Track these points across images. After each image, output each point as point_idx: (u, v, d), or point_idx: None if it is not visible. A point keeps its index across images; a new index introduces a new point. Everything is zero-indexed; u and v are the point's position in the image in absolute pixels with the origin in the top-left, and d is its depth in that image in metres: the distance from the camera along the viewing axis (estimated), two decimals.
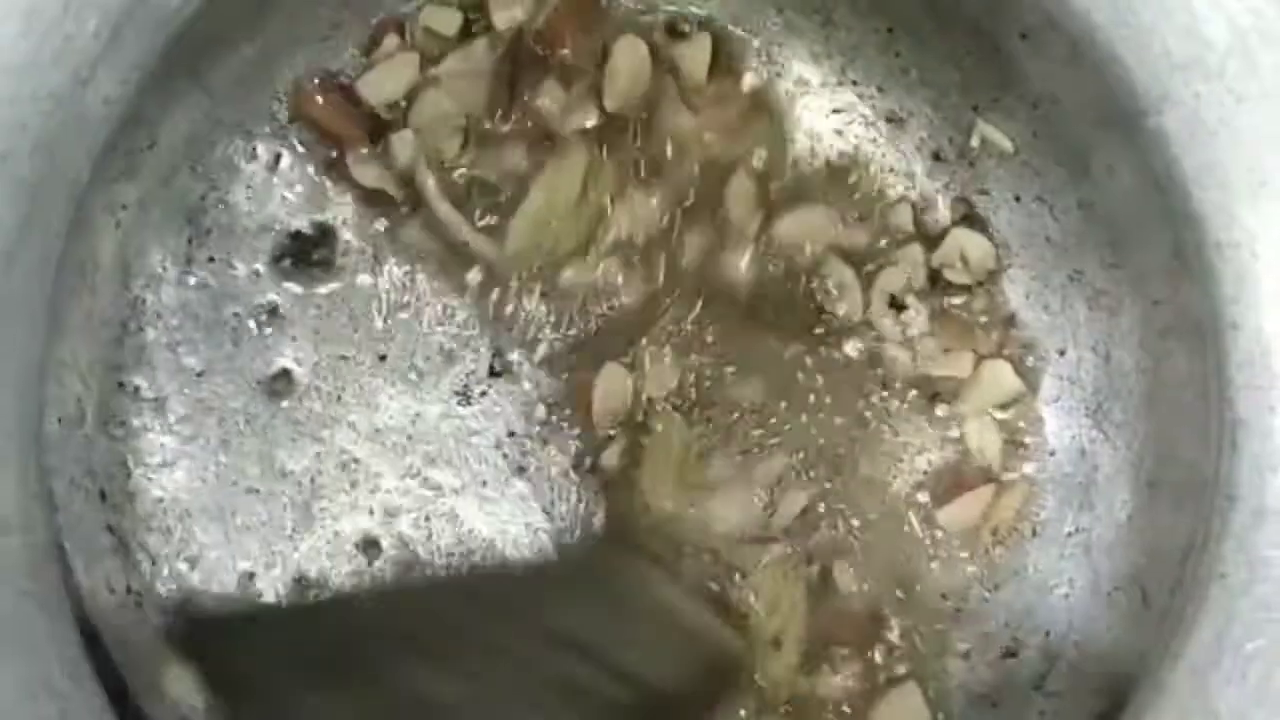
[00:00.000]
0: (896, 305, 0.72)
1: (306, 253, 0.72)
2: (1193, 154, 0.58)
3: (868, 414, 0.72)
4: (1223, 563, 0.58)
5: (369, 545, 0.71)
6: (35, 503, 0.58)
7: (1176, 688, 0.58)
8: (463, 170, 0.72)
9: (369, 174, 0.71)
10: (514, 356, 0.72)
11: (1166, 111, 0.58)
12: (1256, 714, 0.56)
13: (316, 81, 0.71)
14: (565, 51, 0.71)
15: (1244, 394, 0.58)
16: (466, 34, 0.72)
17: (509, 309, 0.72)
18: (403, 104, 0.72)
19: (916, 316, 0.72)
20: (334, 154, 0.71)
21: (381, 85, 0.71)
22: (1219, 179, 0.58)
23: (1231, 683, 0.57)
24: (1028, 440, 0.71)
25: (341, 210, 0.72)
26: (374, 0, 0.71)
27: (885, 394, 0.72)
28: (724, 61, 0.73)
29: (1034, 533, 0.71)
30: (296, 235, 0.71)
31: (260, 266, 0.71)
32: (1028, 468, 0.71)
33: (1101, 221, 0.69)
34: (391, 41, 0.71)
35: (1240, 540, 0.57)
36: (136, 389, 0.70)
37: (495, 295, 0.72)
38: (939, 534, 0.72)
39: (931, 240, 0.73)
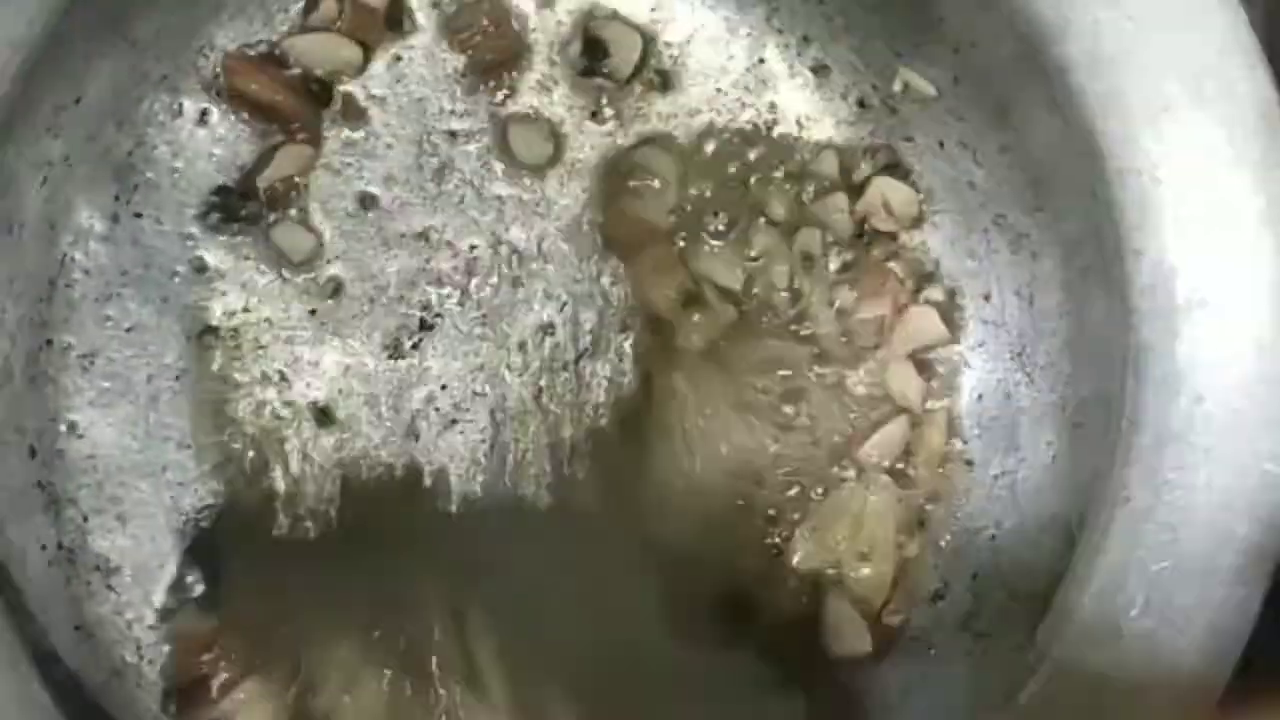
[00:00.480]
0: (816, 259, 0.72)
1: (234, 208, 0.72)
2: (1095, 82, 0.59)
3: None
4: (1127, 487, 0.58)
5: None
6: None
7: (1082, 612, 0.58)
8: None
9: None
10: (445, 308, 0.72)
11: (1068, 42, 0.59)
12: (1160, 633, 0.57)
13: (250, 53, 0.71)
14: None
15: (1147, 320, 0.58)
16: None
17: (436, 264, 0.72)
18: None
19: (837, 268, 0.72)
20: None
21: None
22: (1120, 107, 0.59)
23: (1135, 605, 0.57)
24: (953, 383, 0.72)
25: (269, 167, 0.72)
26: None
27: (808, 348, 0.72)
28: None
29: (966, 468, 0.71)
30: (224, 190, 0.72)
31: (189, 222, 0.71)
32: (950, 405, 0.71)
33: (1022, 165, 0.69)
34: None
35: (1144, 465, 0.58)
36: (66, 346, 0.70)
37: (424, 251, 0.72)
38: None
39: (855, 190, 0.72)
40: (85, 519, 0.71)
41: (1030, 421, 0.71)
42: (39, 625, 0.65)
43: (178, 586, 0.71)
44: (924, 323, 0.73)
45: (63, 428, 0.71)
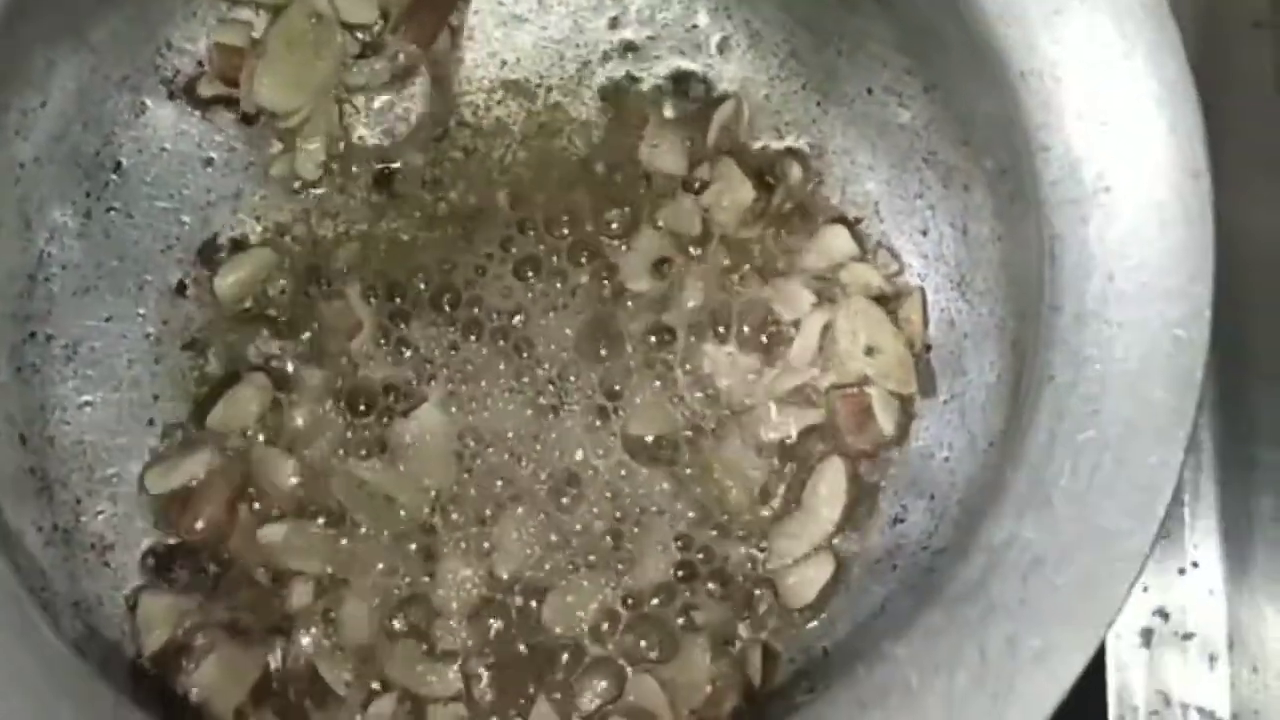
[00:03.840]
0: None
1: None
2: None
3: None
4: (1051, 367, 0.61)
5: None
6: None
7: (1015, 486, 0.61)
8: None
9: None
10: None
11: None
12: (1088, 497, 0.59)
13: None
14: None
15: (1058, 210, 0.61)
16: None
17: None
18: None
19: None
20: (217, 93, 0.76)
21: None
22: (1018, 13, 0.62)
23: (1064, 475, 0.60)
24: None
25: (226, 145, 0.77)
26: None
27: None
28: None
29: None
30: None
31: (158, 213, 0.75)
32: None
33: (946, 101, 0.72)
34: None
35: (1065, 344, 0.61)
36: (48, 337, 0.73)
37: None
38: None
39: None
40: (78, 501, 0.73)
41: (973, 345, 0.73)
42: (40, 601, 0.67)
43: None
44: (836, 240, 0.76)
45: (51, 415, 0.73)
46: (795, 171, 0.77)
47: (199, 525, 0.73)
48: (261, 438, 0.75)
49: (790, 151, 0.78)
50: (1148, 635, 0.79)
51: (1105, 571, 0.59)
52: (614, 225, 0.77)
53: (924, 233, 0.75)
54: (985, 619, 0.60)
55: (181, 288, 0.76)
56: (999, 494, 0.62)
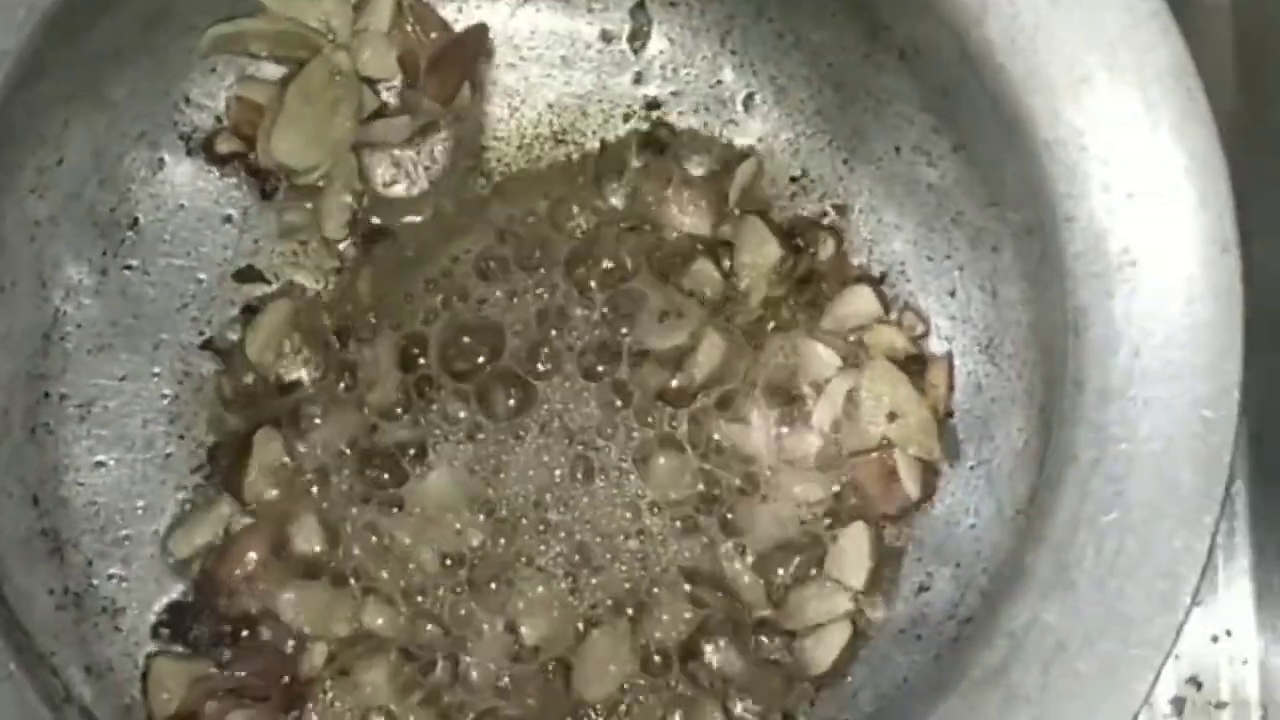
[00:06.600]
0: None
1: None
2: (1015, 61, 0.61)
3: None
4: (1074, 445, 0.59)
5: None
6: None
7: (1038, 569, 0.59)
8: None
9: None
10: None
11: (988, 22, 0.61)
12: (1111, 582, 0.58)
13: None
14: None
15: (1082, 283, 0.60)
16: None
17: None
18: None
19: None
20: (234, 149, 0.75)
21: None
22: (1042, 82, 0.61)
23: (1087, 556, 0.59)
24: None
25: (244, 202, 0.76)
26: None
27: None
28: None
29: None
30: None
31: (175, 271, 0.74)
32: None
33: (973, 161, 0.71)
34: None
35: (1089, 422, 0.59)
36: (62, 396, 0.72)
37: None
38: None
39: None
40: (90, 563, 0.73)
41: (1001, 410, 0.72)
42: (49, 666, 0.67)
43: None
44: (860, 301, 0.75)
45: (64, 476, 0.73)
46: (829, 245, 0.74)
47: (238, 572, 0.72)
48: (276, 493, 0.73)
49: (824, 225, 0.76)
50: (1180, 704, 0.77)
51: (1128, 659, 0.58)
52: (634, 283, 0.74)
53: (951, 294, 0.73)
54: (1006, 707, 0.59)
55: (207, 344, 0.75)
56: (1021, 575, 0.59)
